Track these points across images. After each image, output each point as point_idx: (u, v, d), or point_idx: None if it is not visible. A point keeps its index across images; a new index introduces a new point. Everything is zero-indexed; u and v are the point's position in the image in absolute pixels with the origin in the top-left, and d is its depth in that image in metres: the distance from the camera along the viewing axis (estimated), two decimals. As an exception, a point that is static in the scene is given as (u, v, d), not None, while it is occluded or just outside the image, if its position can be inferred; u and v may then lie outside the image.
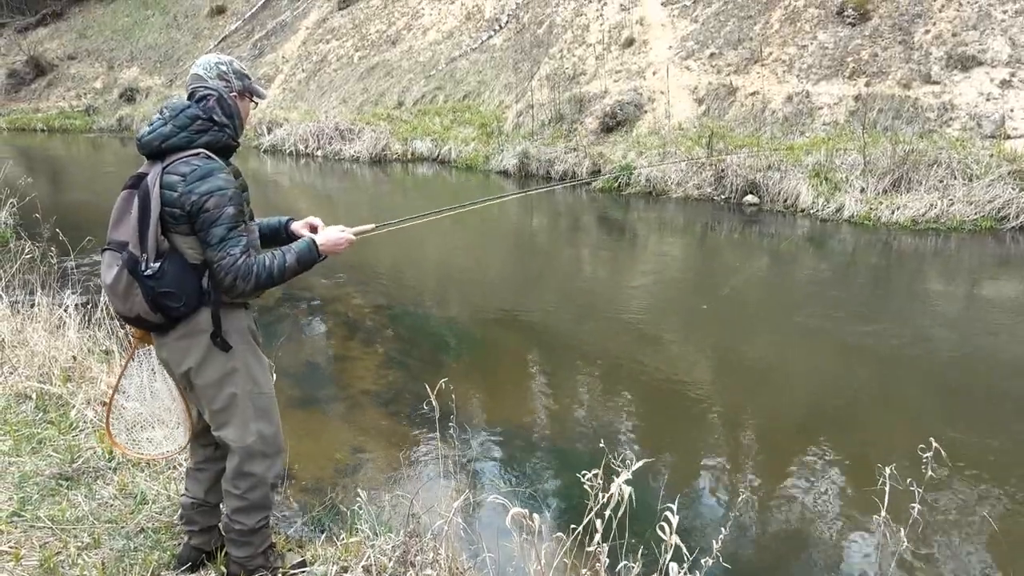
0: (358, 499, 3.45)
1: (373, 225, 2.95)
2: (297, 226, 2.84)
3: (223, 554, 2.93)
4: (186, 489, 2.90)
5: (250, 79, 2.67)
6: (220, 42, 30.03)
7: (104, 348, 5.18)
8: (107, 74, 32.59)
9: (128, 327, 2.66)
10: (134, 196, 2.36)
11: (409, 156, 17.99)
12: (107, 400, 3.01)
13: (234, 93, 2.57)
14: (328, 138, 19.48)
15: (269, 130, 21.78)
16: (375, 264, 9.87)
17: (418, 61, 21.54)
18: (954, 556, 3.86)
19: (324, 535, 3.43)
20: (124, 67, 32.53)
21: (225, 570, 2.86)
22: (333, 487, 4.38)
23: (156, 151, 2.42)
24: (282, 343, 6.66)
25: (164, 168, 2.37)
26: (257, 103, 2.73)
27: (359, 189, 16.29)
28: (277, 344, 6.46)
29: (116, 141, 26.67)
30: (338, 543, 3.20)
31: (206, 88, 2.49)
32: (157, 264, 2.34)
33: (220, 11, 31.92)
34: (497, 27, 20.47)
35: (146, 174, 2.40)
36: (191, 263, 2.41)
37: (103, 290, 2.52)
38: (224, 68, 2.56)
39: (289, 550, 3.16)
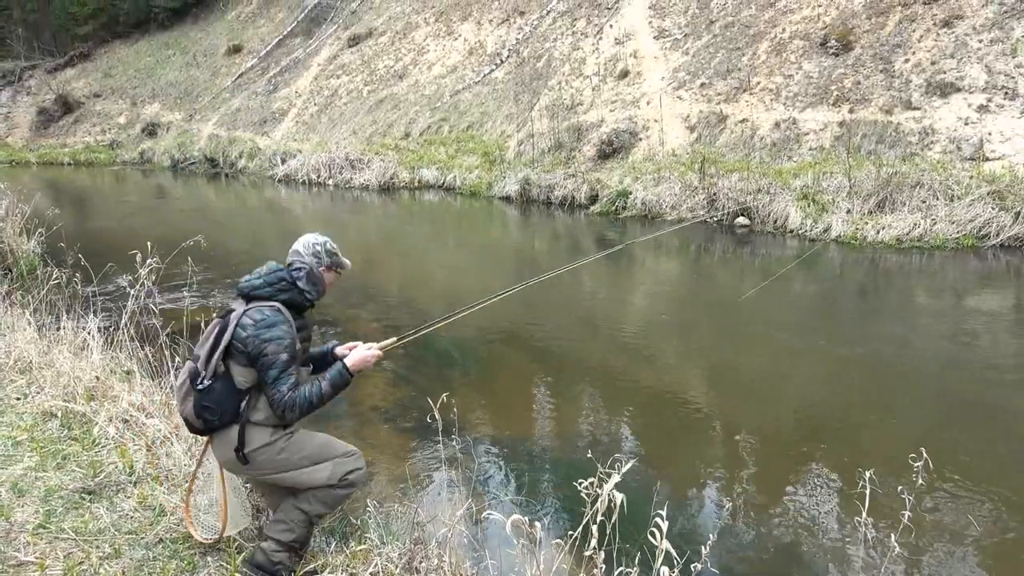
0: (367, 510, 3.70)
1: (396, 339, 3.34)
2: (340, 350, 3.32)
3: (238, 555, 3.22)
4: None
5: (338, 255, 3.25)
6: (237, 79, 31.11)
7: (126, 369, 5.31)
8: (130, 110, 33.78)
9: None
10: (217, 326, 2.98)
11: (416, 184, 18.69)
12: (187, 486, 3.47)
13: (322, 268, 3.18)
14: (339, 167, 20.27)
15: (283, 160, 22.63)
16: (385, 286, 10.40)
17: (424, 94, 22.35)
18: (941, 560, 4.02)
19: (334, 544, 3.48)
20: (146, 103, 33.69)
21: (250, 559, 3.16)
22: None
23: (246, 296, 3.03)
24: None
25: (246, 311, 2.97)
26: (340, 273, 3.30)
27: (369, 215, 16.90)
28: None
29: (138, 173, 27.60)
30: (347, 551, 3.25)
31: (301, 262, 3.14)
32: (209, 382, 2.91)
33: (237, 50, 33.08)
34: (498, 61, 21.28)
35: (233, 310, 3.01)
36: (237, 388, 2.94)
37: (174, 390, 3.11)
38: (319, 248, 3.18)
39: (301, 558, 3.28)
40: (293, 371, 2.94)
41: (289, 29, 31.84)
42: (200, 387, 2.89)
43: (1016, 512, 4.40)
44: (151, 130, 31.30)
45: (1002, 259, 10.05)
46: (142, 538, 3.38)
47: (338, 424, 5.87)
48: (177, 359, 4.82)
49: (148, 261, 5.06)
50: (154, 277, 5.04)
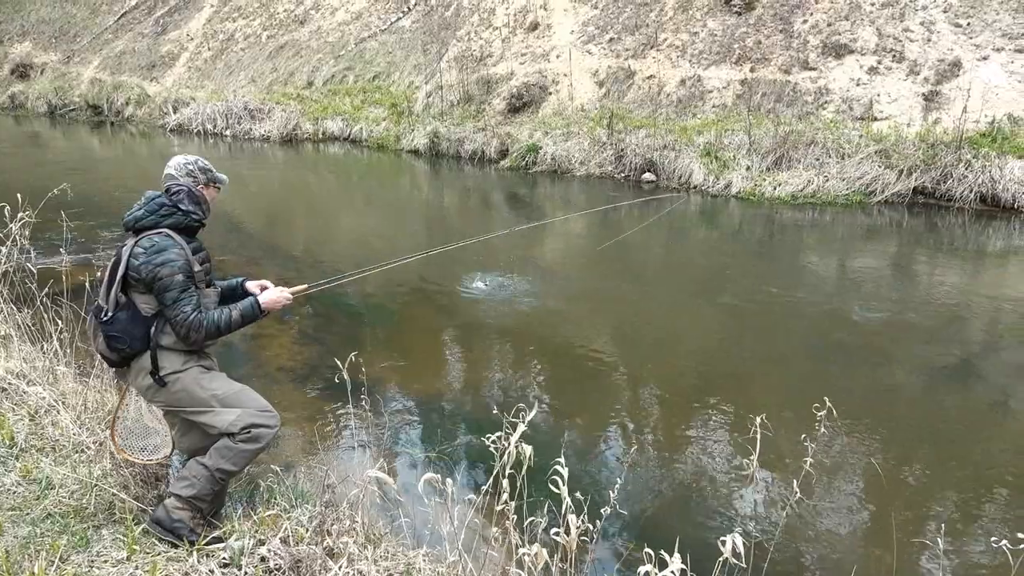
0: (275, 473, 3.60)
1: (306, 286, 3.45)
2: (250, 285, 3.37)
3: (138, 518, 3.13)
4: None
5: (212, 171, 3.26)
6: (120, 17, 28.82)
7: (1, 334, 5.03)
8: (-5, 49, 30.79)
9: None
10: (112, 260, 3.01)
11: (320, 136, 18.03)
12: (111, 416, 3.38)
13: (200, 186, 3.19)
14: (237, 117, 19.26)
15: (175, 109, 21.28)
16: (289, 242, 10.05)
17: (327, 41, 21.41)
18: (836, 499, 4.25)
19: (241, 510, 3.40)
20: (15, 42, 30.75)
21: (153, 513, 3.11)
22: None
23: (132, 228, 3.03)
24: None
25: (136, 241, 2.98)
26: (220, 188, 3.31)
27: (271, 169, 16.22)
28: None
29: (9, 119, 25.36)
30: (255, 516, 3.17)
31: (177, 185, 3.12)
32: (111, 313, 2.95)
33: (119, -15, 30.56)
34: (406, 9, 20.59)
35: (123, 245, 3.01)
36: (143, 315, 2.98)
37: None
38: (191, 167, 3.18)
39: (207, 525, 3.18)
40: (194, 292, 2.99)
41: (177, -34, 29.66)
42: (104, 319, 2.95)
43: (904, 449, 4.74)
44: (22, 72, 28.67)
45: (886, 214, 10.69)
46: (27, 514, 3.20)
47: (245, 385, 5.69)
48: (60, 322, 4.49)
49: (20, 215, 4.62)
50: (27, 232, 4.61)
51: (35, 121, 24.86)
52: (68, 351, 4.51)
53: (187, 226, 3.08)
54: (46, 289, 4.63)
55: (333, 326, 6.99)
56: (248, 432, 3.03)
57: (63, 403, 4.06)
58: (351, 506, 3.09)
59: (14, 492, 3.36)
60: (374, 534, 3.19)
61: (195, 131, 19.85)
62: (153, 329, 2.98)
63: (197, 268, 3.03)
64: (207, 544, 3.00)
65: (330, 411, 5.18)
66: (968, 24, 12.53)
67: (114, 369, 3.20)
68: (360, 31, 20.96)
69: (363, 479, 3.06)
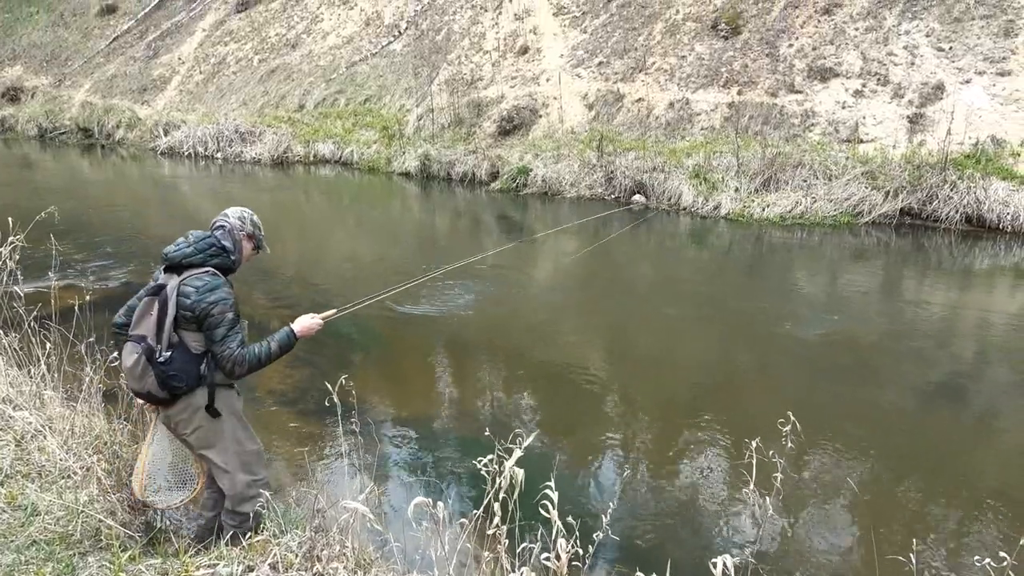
0: (261, 499, 3.48)
1: (335, 310, 3.61)
2: None
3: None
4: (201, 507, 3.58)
5: (261, 230, 3.42)
6: (112, 42, 28.93)
7: None
8: (-15, 73, 30.77)
9: (142, 401, 3.32)
10: (155, 302, 3.06)
11: (311, 158, 18.07)
12: (139, 460, 3.43)
13: (243, 233, 3.32)
14: (228, 140, 19.28)
15: (166, 132, 21.30)
16: (279, 265, 10.02)
17: (318, 65, 21.54)
18: (826, 519, 4.29)
19: (230, 535, 3.36)
20: (5, 66, 30.78)
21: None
22: None
23: (177, 265, 3.12)
24: None
25: (182, 280, 3.08)
26: (258, 253, 3.46)
27: (262, 191, 16.23)
28: None
29: (-2, 143, 25.33)
30: (243, 542, 3.15)
31: (226, 221, 3.28)
32: (168, 353, 3.03)
33: (111, 10, 30.66)
34: (396, 33, 20.76)
35: (165, 285, 3.09)
36: (194, 353, 3.09)
37: (122, 371, 3.19)
38: (245, 215, 3.36)
39: (196, 552, 3.20)
40: (239, 329, 3.13)
41: (170, -9, 29.86)
42: (161, 360, 3.02)
43: (892, 467, 4.76)
44: (12, 95, 28.64)
45: (873, 235, 10.79)
46: (12, 541, 3.15)
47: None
48: (48, 346, 4.46)
49: (10, 239, 4.60)
50: (17, 256, 4.59)
51: (25, 144, 24.82)
52: (56, 375, 4.47)
53: (227, 268, 3.24)
54: (34, 312, 4.60)
55: (323, 348, 6.94)
56: (242, 513, 3.28)
57: (50, 428, 4.00)
58: (341, 531, 3.05)
59: (-3, 519, 3.32)
60: (364, 559, 3.16)
61: (186, 154, 19.86)
62: (205, 366, 3.11)
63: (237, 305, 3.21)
64: (199, 570, 2.99)
65: (320, 434, 5.16)
66: (950, 48, 12.75)
67: (143, 403, 3.29)
68: (351, 55, 21.11)
69: (353, 504, 3.00)
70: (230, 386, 3.24)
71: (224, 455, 3.25)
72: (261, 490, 3.21)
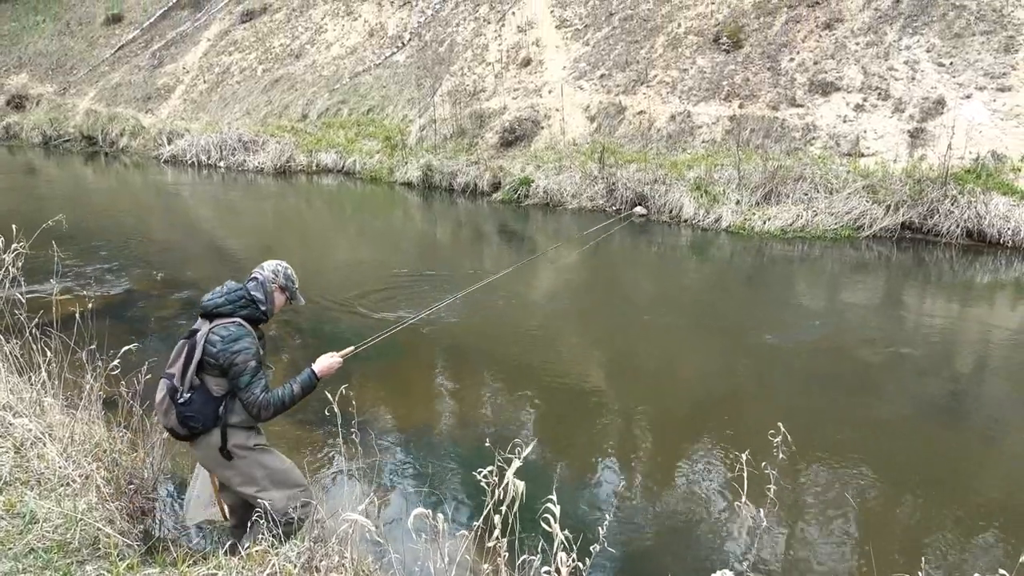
0: (259, 509, 3.48)
1: (353, 347, 3.78)
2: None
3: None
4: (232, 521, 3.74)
5: (295, 283, 3.61)
6: (117, 51, 29.10)
7: None
8: (-9, 80, 30.93)
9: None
10: (186, 345, 3.30)
11: (314, 168, 18.12)
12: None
13: (275, 286, 3.52)
14: (231, 149, 19.35)
15: (170, 140, 21.37)
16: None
17: (322, 75, 21.65)
18: (826, 533, 4.29)
19: (228, 545, 3.41)
20: (12, 73, 30.94)
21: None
22: None
23: (209, 313, 3.35)
24: None
25: (211, 328, 3.30)
26: (291, 303, 3.65)
27: (265, 200, 16.28)
28: None
29: (3, 149, 25.40)
30: (241, 552, 3.16)
31: (260, 273, 3.49)
32: (188, 395, 3.24)
33: (116, 19, 30.86)
34: (400, 44, 20.88)
35: (198, 330, 3.33)
36: (214, 396, 3.29)
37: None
38: (280, 268, 3.56)
39: (194, 562, 3.20)
40: (262, 376, 3.32)
41: (175, 0, 30.04)
42: (181, 401, 3.24)
43: (894, 482, 4.74)
44: (18, 103, 28.77)
45: (874, 249, 10.80)
46: (10, 549, 3.14)
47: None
48: (49, 353, 4.47)
49: (13, 246, 4.62)
50: (19, 263, 4.60)
51: (29, 152, 24.92)
52: (56, 383, 4.48)
53: (256, 318, 3.43)
54: (35, 319, 4.61)
55: (306, 349, 6.97)
56: (290, 518, 3.37)
57: (49, 435, 4.00)
58: (340, 542, 3.05)
59: (-4, 526, 3.31)
60: (364, 571, 3.17)
61: (189, 162, 19.93)
62: (222, 408, 3.29)
63: (261, 353, 3.38)
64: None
65: (320, 444, 5.15)
66: (951, 63, 12.80)
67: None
68: (355, 65, 21.22)
69: (352, 515, 3.01)
70: (248, 427, 3.40)
71: (250, 485, 3.39)
72: (303, 498, 3.41)
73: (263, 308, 3.44)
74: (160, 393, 3.31)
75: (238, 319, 3.34)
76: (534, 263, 11.08)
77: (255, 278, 3.47)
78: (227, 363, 3.24)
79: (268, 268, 3.53)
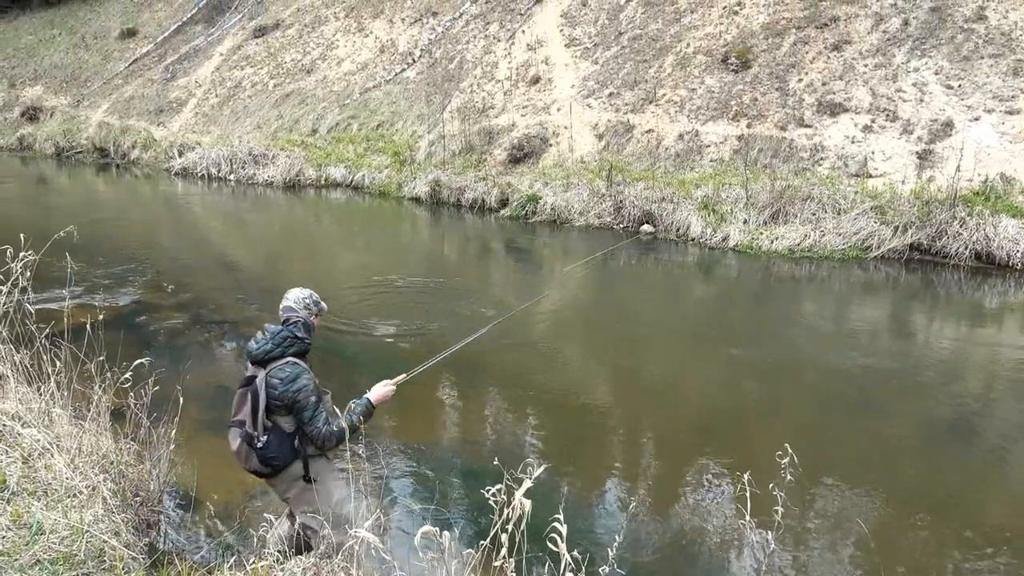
0: (265, 523, 3.60)
1: (405, 374, 3.93)
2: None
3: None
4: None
5: (320, 303, 3.81)
6: (131, 64, 29.44)
7: None
8: (8, 92, 31.30)
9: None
10: (248, 391, 3.48)
11: (323, 182, 18.23)
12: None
13: (313, 316, 3.74)
14: (241, 162, 19.49)
15: (180, 153, 21.55)
16: (286, 286, 10.06)
17: (332, 90, 21.84)
18: (831, 554, 4.27)
19: (233, 559, 3.41)
20: (27, 85, 31.34)
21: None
22: (243, 511, 4.44)
23: (261, 360, 3.51)
24: (191, 366, 6.67)
25: (267, 373, 3.48)
26: (320, 315, 3.84)
27: (274, 213, 16.37)
28: (185, 367, 6.46)
29: (16, 160, 25.64)
30: (247, 567, 3.18)
31: (295, 316, 3.66)
32: (265, 438, 3.44)
33: (131, 34, 31.27)
34: (410, 61, 21.06)
35: (254, 377, 3.50)
36: (287, 432, 3.50)
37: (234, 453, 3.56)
38: (308, 302, 3.74)
39: None
40: (322, 408, 3.52)
41: (189, 16, 30.40)
42: (260, 446, 3.44)
43: (900, 504, 4.70)
44: (32, 114, 29.11)
45: (882, 270, 10.77)
46: (16, 559, 3.13)
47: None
48: (59, 364, 4.49)
49: (21, 255, 4.64)
50: (29, 273, 4.63)
51: (42, 163, 25.16)
52: (65, 393, 4.49)
53: (304, 351, 3.61)
54: (46, 330, 4.63)
55: (331, 372, 6.91)
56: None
57: (57, 446, 4.01)
58: (346, 558, 3.05)
59: (3, 537, 3.32)
60: (369, 587, 3.12)
61: (199, 175, 20.07)
62: (297, 442, 3.51)
63: (317, 384, 3.58)
64: None
65: (326, 459, 5.12)
66: (959, 86, 12.83)
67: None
68: (365, 81, 21.40)
69: (359, 532, 3.02)
70: (322, 455, 3.60)
71: (315, 519, 3.50)
72: (339, 536, 3.43)
73: (307, 341, 3.63)
74: (235, 442, 3.48)
75: (290, 359, 3.51)
76: (540, 280, 11.08)
77: (295, 321, 3.62)
78: (290, 402, 3.44)
79: (298, 307, 3.69)
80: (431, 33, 21.54)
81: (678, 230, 12.60)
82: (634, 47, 16.91)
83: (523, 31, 19.17)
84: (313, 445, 3.53)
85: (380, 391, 3.75)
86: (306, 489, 3.54)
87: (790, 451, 2.90)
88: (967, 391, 6.81)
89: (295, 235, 14.22)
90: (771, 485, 2.90)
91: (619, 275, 11.24)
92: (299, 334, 3.60)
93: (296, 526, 3.65)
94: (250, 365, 3.58)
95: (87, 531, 3.31)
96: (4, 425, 4.20)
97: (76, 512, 3.49)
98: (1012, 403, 6.47)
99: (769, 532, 2.78)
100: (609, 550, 2.54)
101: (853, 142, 12.95)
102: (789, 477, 2.96)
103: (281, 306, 3.72)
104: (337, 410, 3.55)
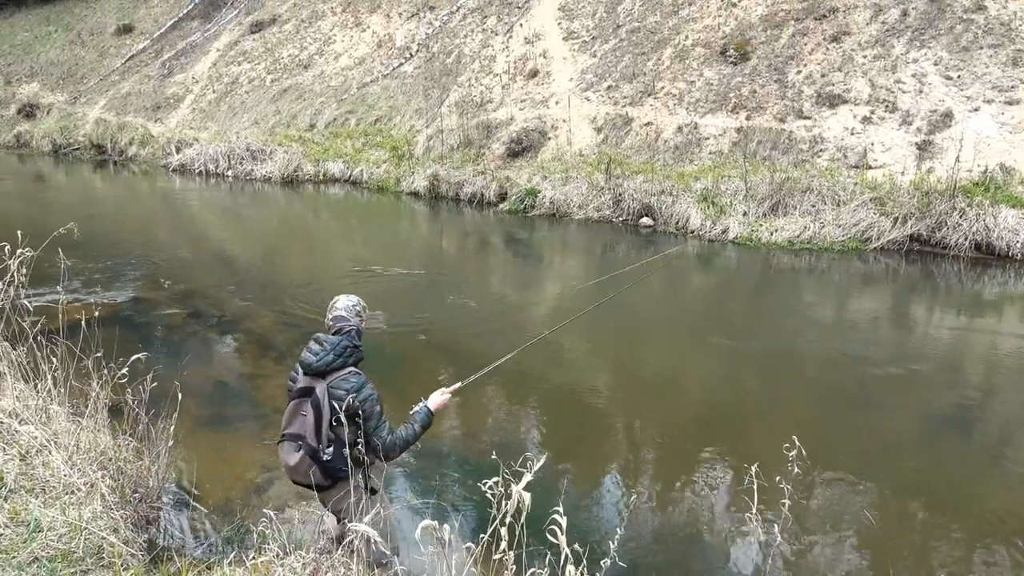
0: (264, 518, 3.56)
1: (460, 383, 3.93)
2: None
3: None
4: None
5: (366, 308, 3.79)
6: (127, 60, 29.33)
7: None
8: (4, 89, 31.20)
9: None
10: (306, 403, 3.42)
11: (321, 177, 18.18)
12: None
13: (362, 322, 3.71)
14: (239, 158, 19.44)
15: (178, 149, 21.49)
16: (284, 281, 10.04)
17: (330, 85, 21.77)
18: (825, 545, 4.26)
19: (233, 555, 3.40)
20: (23, 82, 31.23)
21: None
22: (243, 507, 4.43)
23: (321, 372, 3.44)
24: (189, 361, 6.63)
25: (329, 384, 3.42)
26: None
27: (272, 208, 16.33)
28: (183, 363, 6.43)
29: (13, 157, 25.57)
30: (247, 563, 3.15)
31: (349, 324, 3.61)
32: (331, 450, 3.39)
33: (127, 30, 31.15)
34: (408, 55, 20.99)
35: (313, 388, 3.43)
36: (345, 443, 3.37)
37: (284, 468, 3.49)
38: (359, 309, 3.71)
39: (198, 572, 3.21)
40: (386, 418, 3.51)
41: (185, 11, 30.28)
42: (327, 459, 3.39)
43: (901, 497, 4.69)
44: (29, 111, 29.02)
45: (882, 261, 10.75)
46: (13, 557, 3.11)
47: (241, 427, 5.69)
48: (56, 360, 4.46)
49: (19, 252, 4.61)
50: (25, 270, 4.60)
51: (39, 160, 25.09)
52: (62, 390, 4.47)
53: (360, 358, 3.60)
54: (42, 326, 4.61)
55: None
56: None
57: (55, 443, 3.99)
58: (346, 553, 3.03)
59: (1, 535, 3.30)
60: (369, 583, 3.11)
61: (197, 171, 20.02)
62: (358, 451, 3.42)
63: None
64: None
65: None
66: (959, 76, 12.78)
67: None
68: (363, 76, 21.33)
69: (358, 526, 3.01)
70: (378, 465, 3.59)
71: (370, 528, 3.50)
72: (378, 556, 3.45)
73: (361, 349, 3.61)
74: (293, 456, 3.40)
75: (351, 368, 3.49)
76: (542, 277, 11.06)
77: (348, 331, 3.57)
78: (355, 412, 3.38)
79: (350, 314, 3.64)
80: (428, 27, 21.46)
81: (677, 222, 12.57)
82: (632, 40, 16.85)
83: (521, 24, 19.10)
84: (375, 455, 3.49)
85: (438, 399, 3.73)
86: (362, 499, 3.48)
87: (797, 443, 2.87)
88: (967, 382, 6.80)
89: (293, 230, 14.19)
90: (776, 478, 2.88)
91: (618, 266, 11.20)
92: (356, 342, 3.57)
93: (347, 532, 3.61)
94: (300, 376, 3.52)
95: (85, 528, 3.29)
96: (1, 422, 4.19)
97: (74, 509, 3.47)
98: (1013, 393, 6.46)
99: (775, 525, 2.75)
100: (611, 543, 2.52)
101: (852, 133, 12.91)
102: (796, 470, 2.93)
103: (331, 315, 3.65)
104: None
